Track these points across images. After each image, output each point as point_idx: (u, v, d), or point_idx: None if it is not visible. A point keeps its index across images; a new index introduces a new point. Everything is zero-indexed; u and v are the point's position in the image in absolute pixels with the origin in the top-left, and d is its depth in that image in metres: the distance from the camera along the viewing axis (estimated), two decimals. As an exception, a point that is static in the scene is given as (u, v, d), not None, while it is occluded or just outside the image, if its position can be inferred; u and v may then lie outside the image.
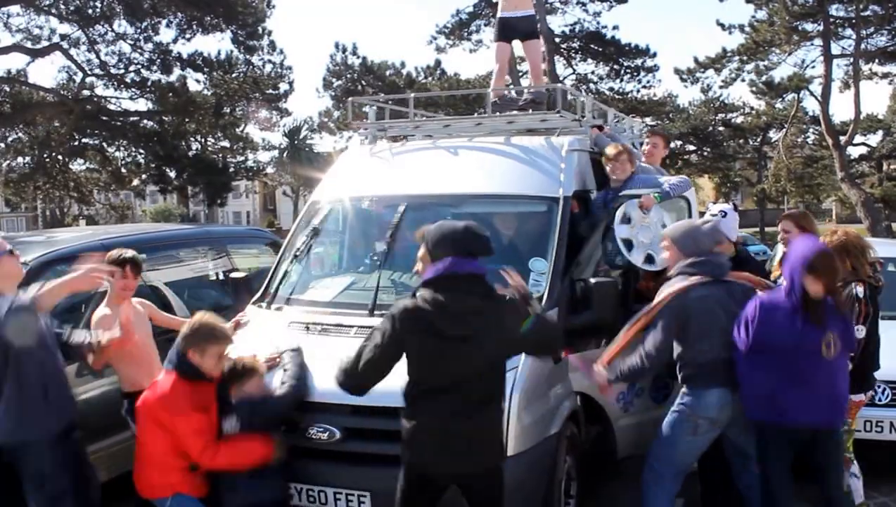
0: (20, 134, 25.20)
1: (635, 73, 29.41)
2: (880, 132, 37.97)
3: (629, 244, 4.47)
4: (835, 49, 23.77)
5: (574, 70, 29.83)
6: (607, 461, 4.58)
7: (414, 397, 3.04)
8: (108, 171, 27.54)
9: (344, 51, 33.24)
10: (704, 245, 3.81)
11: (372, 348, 2.99)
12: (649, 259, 4.42)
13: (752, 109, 37.86)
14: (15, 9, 21.45)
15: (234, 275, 5.30)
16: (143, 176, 28.34)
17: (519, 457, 3.43)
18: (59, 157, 25.65)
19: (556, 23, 28.57)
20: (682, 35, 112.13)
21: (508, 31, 6.03)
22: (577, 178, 4.63)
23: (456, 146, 5.08)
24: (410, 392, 3.05)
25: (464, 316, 2.95)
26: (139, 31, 22.36)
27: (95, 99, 23.70)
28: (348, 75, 33.16)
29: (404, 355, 3.02)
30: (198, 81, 24.47)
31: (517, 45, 6.26)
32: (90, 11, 21.69)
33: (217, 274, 6.23)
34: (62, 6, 21.72)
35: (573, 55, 29.63)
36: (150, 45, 22.71)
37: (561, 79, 26.36)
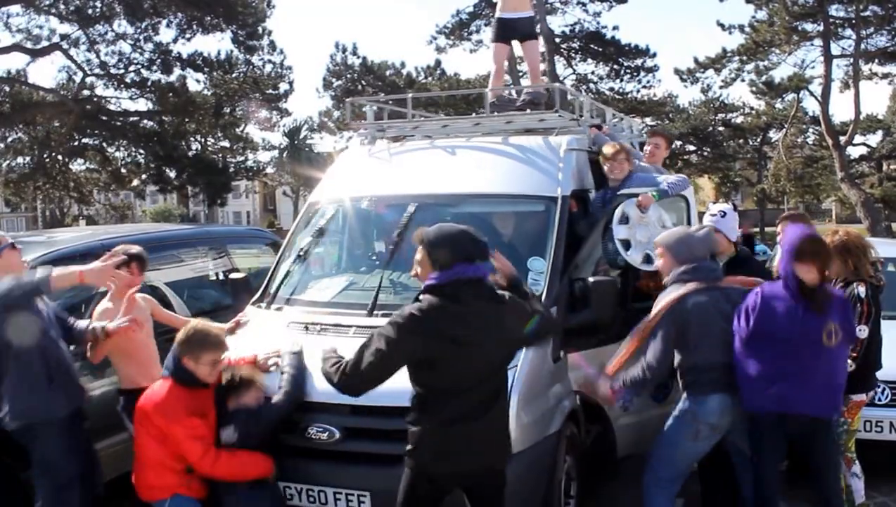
0: (20, 134, 25.20)
1: (635, 74, 29.41)
2: (880, 132, 37.98)
3: (627, 244, 4.47)
4: (835, 49, 23.79)
5: (574, 70, 29.84)
6: (607, 461, 4.58)
7: (421, 402, 3.02)
8: (108, 171, 27.54)
9: (344, 51, 33.25)
10: (698, 252, 3.81)
11: (375, 352, 2.94)
12: (647, 259, 4.42)
13: (751, 109, 37.87)
14: (15, 9, 21.46)
15: (233, 276, 5.31)
16: (143, 176, 28.32)
17: (518, 456, 3.43)
18: (59, 157, 25.66)
19: (556, 23, 28.58)
20: (682, 35, 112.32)
21: (507, 31, 6.03)
22: (575, 177, 4.63)
23: (454, 146, 5.08)
24: (417, 397, 3.03)
25: (470, 321, 2.95)
26: (139, 31, 22.37)
27: (95, 99, 23.70)
28: (348, 75, 33.15)
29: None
30: (198, 81, 24.50)
31: (516, 45, 6.27)
32: (90, 11, 21.69)
33: (217, 274, 6.24)
34: (62, 6, 21.72)
35: (573, 55, 29.63)
36: (150, 45, 22.73)
37: (561, 79, 26.37)
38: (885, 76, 26.96)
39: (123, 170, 28.09)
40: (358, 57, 33.00)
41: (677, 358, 3.77)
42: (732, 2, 41.46)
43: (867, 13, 22.95)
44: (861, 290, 4.07)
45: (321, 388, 3.59)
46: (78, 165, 28.55)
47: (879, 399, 4.88)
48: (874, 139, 38.10)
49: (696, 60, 28.45)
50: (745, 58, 26.61)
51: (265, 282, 4.83)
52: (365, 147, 5.31)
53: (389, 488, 3.29)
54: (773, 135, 38.80)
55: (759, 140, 40.11)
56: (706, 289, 3.71)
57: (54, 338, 3.80)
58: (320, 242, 4.89)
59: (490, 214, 4.69)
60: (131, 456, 3.78)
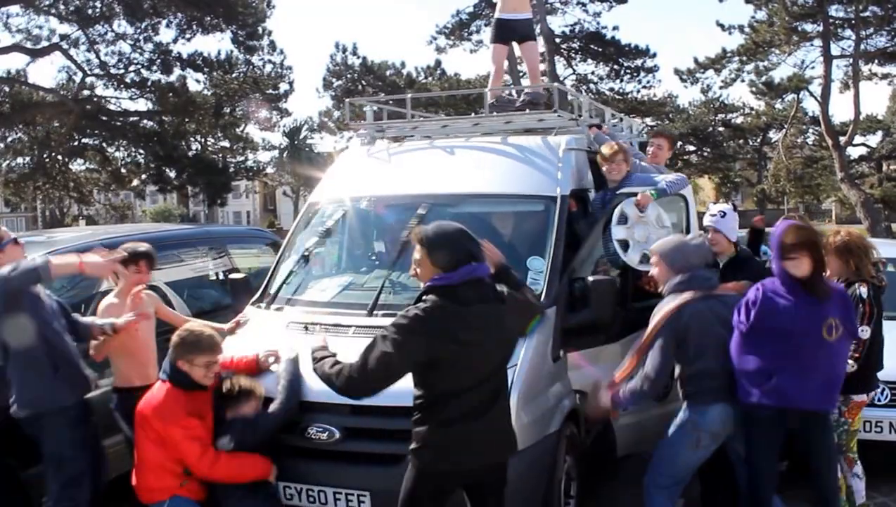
0: (20, 134, 25.20)
1: (635, 74, 29.42)
2: (880, 133, 38.02)
3: (625, 245, 4.48)
4: (834, 50, 23.79)
5: (574, 70, 29.84)
6: (607, 461, 4.59)
7: (424, 402, 3.01)
8: (108, 171, 27.54)
9: (344, 51, 33.27)
10: (694, 260, 3.81)
11: (381, 355, 2.91)
12: (645, 259, 4.43)
13: (751, 109, 37.93)
14: (15, 9, 21.46)
15: (233, 276, 5.31)
16: (143, 176, 28.33)
17: (518, 456, 3.42)
18: (59, 157, 25.66)
19: (557, 23, 28.57)
20: (682, 35, 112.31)
21: (506, 32, 6.04)
22: (574, 177, 4.64)
23: (454, 146, 5.09)
24: (421, 398, 3.02)
25: (473, 321, 2.95)
26: (139, 31, 22.38)
27: (95, 99, 23.70)
28: (348, 75, 33.17)
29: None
30: (198, 81, 24.51)
31: (516, 46, 6.27)
32: (90, 11, 21.69)
33: (217, 274, 6.24)
34: (62, 6, 21.71)
35: (573, 55, 29.63)
36: (150, 46, 22.73)
37: (561, 79, 26.38)
38: (884, 77, 26.96)
39: (123, 170, 28.09)
40: (358, 57, 33.04)
41: (678, 369, 3.76)
42: (732, 2, 41.50)
43: (867, 14, 22.95)
44: (863, 290, 4.07)
45: (321, 388, 3.59)
46: (78, 165, 28.56)
47: (879, 400, 4.88)
48: (874, 140, 38.17)
49: (695, 61, 28.51)
50: (744, 58, 26.61)
51: (265, 282, 4.83)
52: (365, 147, 5.32)
53: (389, 488, 3.29)
54: (773, 135, 38.88)
55: (759, 140, 40.17)
56: (703, 298, 3.70)
57: (58, 328, 3.84)
58: (320, 243, 4.89)
59: (489, 214, 4.69)
60: (129, 456, 3.79)
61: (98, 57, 22.63)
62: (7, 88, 22.50)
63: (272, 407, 3.68)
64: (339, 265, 4.98)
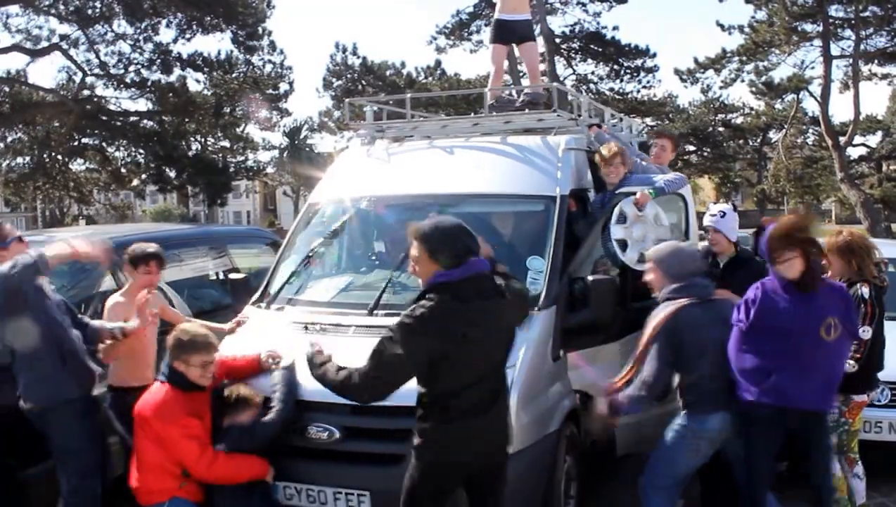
0: (20, 134, 25.20)
1: (635, 74, 29.43)
2: (880, 133, 38.00)
3: (624, 245, 4.48)
4: (834, 50, 23.79)
5: (574, 70, 29.84)
6: (607, 461, 4.59)
7: (433, 398, 3.00)
8: (108, 171, 27.54)
9: (344, 51, 33.28)
10: (690, 267, 3.81)
11: (389, 358, 2.90)
12: (643, 258, 4.43)
13: (751, 109, 37.92)
14: (14, 9, 21.44)
15: (232, 276, 5.31)
16: (143, 176, 28.34)
17: (518, 455, 3.44)
18: (59, 157, 25.66)
19: (557, 23, 28.57)
20: (682, 35, 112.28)
21: (505, 33, 6.03)
22: (574, 176, 4.64)
23: (454, 146, 5.09)
24: (428, 395, 3.01)
25: (476, 317, 2.96)
26: (139, 31, 22.36)
27: (95, 99, 23.69)
28: (348, 75, 33.18)
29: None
30: (198, 81, 24.50)
31: (515, 46, 6.27)
32: (90, 11, 21.67)
33: (217, 274, 6.24)
34: (62, 6, 21.70)
35: (573, 56, 29.64)
36: (150, 46, 22.71)
37: (561, 79, 26.37)
38: (884, 77, 26.96)
39: (123, 170, 28.09)
40: (358, 57, 33.05)
41: (676, 377, 3.76)
42: (732, 2, 41.52)
43: (867, 14, 22.96)
44: (865, 291, 4.07)
45: (321, 387, 3.59)
46: (78, 165, 28.56)
47: (879, 400, 4.87)
48: (874, 140, 38.15)
49: (696, 61, 28.50)
50: (744, 58, 26.61)
51: (265, 282, 4.83)
52: (364, 147, 5.32)
53: (389, 487, 3.29)
54: (773, 135, 38.86)
55: (759, 141, 40.15)
56: (698, 304, 3.71)
57: (64, 322, 3.86)
58: (320, 243, 4.89)
59: (489, 214, 4.70)
60: (124, 456, 3.80)
61: (98, 57, 22.62)
62: (7, 88, 22.49)
63: (269, 416, 3.67)
64: (338, 265, 4.98)
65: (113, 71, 22.87)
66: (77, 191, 29.06)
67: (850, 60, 24.30)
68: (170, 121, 24.56)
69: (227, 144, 28.93)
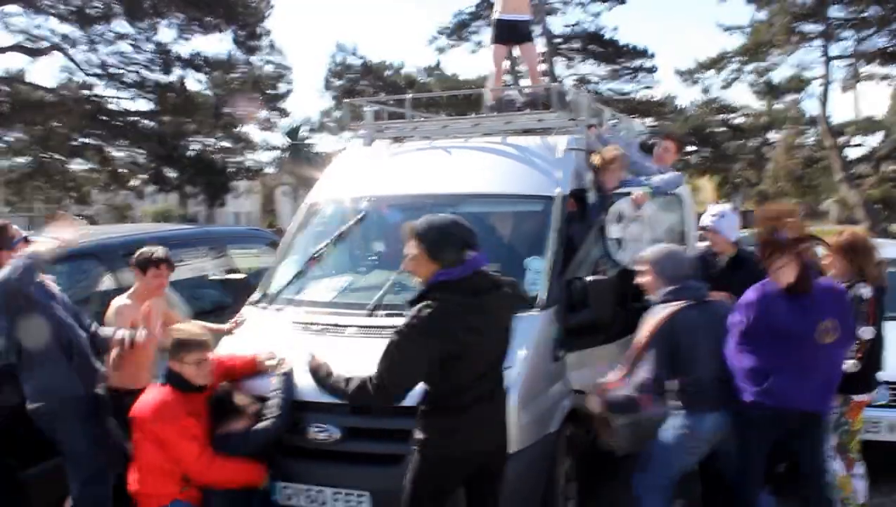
0: (20, 134, 25.21)
1: (635, 74, 29.47)
2: (879, 133, 37.96)
3: (619, 243, 4.48)
4: (834, 50, 23.87)
5: (574, 71, 29.87)
6: (607, 461, 4.58)
7: (440, 394, 3.00)
8: (108, 171, 27.56)
9: (344, 51, 33.27)
10: (684, 270, 3.82)
11: (400, 362, 2.89)
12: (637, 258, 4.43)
13: (751, 110, 37.88)
14: (15, 8, 21.47)
15: (232, 276, 5.30)
16: (143, 176, 28.36)
17: (518, 456, 3.43)
18: (59, 157, 25.67)
19: (556, 23, 28.61)
20: (681, 36, 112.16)
21: (505, 33, 6.04)
22: (574, 177, 4.64)
23: (453, 146, 5.08)
24: (436, 391, 3.01)
25: (481, 309, 2.97)
26: (139, 31, 22.39)
27: (95, 99, 23.71)
28: (349, 76, 33.18)
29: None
30: (198, 81, 24.53)
31: (515, 47, 6.27)
32: (90, 11, 21.70)
33: (216, 274, 6.23)
34: (62, 6, 21.73)
35: (573, 56, 29.65)
36: (150, 45, 22.76)
37: (560, 79, 26.38)
38: (884, 77, 27.01)
39: (123, 170, 28.11)
40: (358, 57, 33.05)
41: (670, 379, 3.75)
42: (732, 3, 41.61)
43: (867, 14, 22.98)
44: (866, 291, 4.07)
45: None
46: (77, 165, 28.57)
47: (877, 400, 4.87)
48: (873, 140, 38.10)
49: (696, 61, 28.54)
50: (745, 59, 26.66)
51: (263, 282, 4.83)
52: (364, 147, 5.32)
53: (389, 488, 3.29)
54: (773, 136, 38.83)
55: (758, 141, 40.11)
56: (694, 306, 3.72)
57: (70, 320, 3.86)
58: (319, 242, 4.89)
59: (489, 214, 4.69)
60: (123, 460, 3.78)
61: (98, 57, 22.66)
62: (7, 88, 22.50)
63: (263, 424, 3.64)
64: (338, 265, 4.97)
65: (113, 71, 22.92)
66: (76, 191, 29.07)
67: (851, 61, 24.33)
68: (170, 121, 24.59)
69: (227, 144, 28.95)
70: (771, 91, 30.65)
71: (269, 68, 25.30)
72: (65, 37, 22.33)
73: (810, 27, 23.75)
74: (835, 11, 23.24)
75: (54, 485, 4.12)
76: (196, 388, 3.70)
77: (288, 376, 3.77)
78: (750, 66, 27.61)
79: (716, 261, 4.71)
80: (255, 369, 3.96)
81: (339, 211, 5.00)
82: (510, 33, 6.04)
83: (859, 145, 35.29)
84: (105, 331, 4.02)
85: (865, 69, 25.95)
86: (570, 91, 5.71)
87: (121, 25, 22.24)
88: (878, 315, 4.11)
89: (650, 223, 4.65)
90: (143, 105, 24.45)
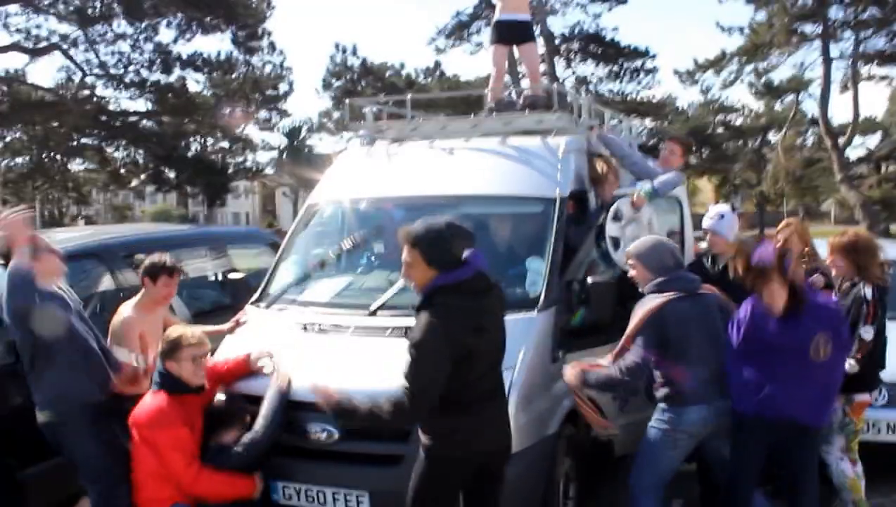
0: (19, 134, 25.21)
1: (635, 75, 29.46)
2: (879, 134, 38.03)
3: (617, 243, 4.48)
4: (834, 51, 23.87)
5: (574, 71, 29.88)
6: (606, 461, 4.59)
7: (446, 397, 2.96)
8: (107, 171, 27.56)
9: (344, 51, 33.30)
10: (668, 261, 3.82)
11: (423, 373, 2.86)
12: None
13: (751, 110, 37.96)
14: (14, 8, 21.46)
15: (232, 276, 5.30)
16: (142, 176, 28.37)
17: (517, 457, 3.42)
18: (58, 157, 25.67)
19: (556, 24, 28.66)
20: (681, 36, 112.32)
21: (506, 33, 6.03)
22: (574, 178, 4.63)
23: (453, 147, 5.08)
24: (443, 393, 2.95)
25: (483, 309, 2.99)
26: (139, 31, 22.40)
27: (95, 99, 23.71)
28: (348, 76, 33.20)
29: None
30: (197, 82, 24.54)
31: (515, 47, 6.27)
32: (90, 11, 21.70)
33: (216, 274, 6.24)
34: (61, 6, 21.73)
35: (573, 57, 29.66)
36: (149, 46, 22.79)
37: (560, 80, 26.39)
38: (883, 78, 27.05)
39: (122, 170, 28.11)
40: (358, 58, 33.08)
41: (656, 369, 3.76)
42: (732, 3, 41.62)
43: (866, 15, 23.00)
44: (867, 291, 4.08)
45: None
46: (77, 165, 28.59)
47: (877, 401, 4.87)
48: (873, 141, 38.19)
49: (695, 62, 28.55)
50: (744, 59, 26.66)
51: (264, 282, 4.83)
52: (364, 148, 5.32)
53: (388, 488, 3.29)
54: (773, 136, 38.87)
55: (758, 142, 40.16)
56: (686, 298, 3.72)
57: (82, 325, 3.79)
58: (319, 243, 4.89)
59: (489, 215, 4.69)
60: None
61: (98, 57, 22.65)
62: (6, 88, 22.50)
63: (253, 436, 3.61)
64: (338, 266, 4.97)
65: (113, 71, 22.92)
66: (76, 191, 29.07)
67: (850, 62, 24.37)
68: (169, 121, 24.60)
69: (226, 144, 28.96)
70: (771, 92, 30.72)
71: (269, 69, 25.31)
72: (64, 37, 22.34)
73: (810, 28, 23.77)
74: (834, 12, 23.28)
75: (54, 485, 4.13)
76: (192, 389, 3.69)
77: (282, 395, 3.70)
78: (750, 67, 27.66)
79: (716, 261, 4.72)
80: (247, 369, 3.96)
81: (339, 212, 5.00)
82: (510, 33, 6.02)
83: (861, 145, 35.39)
84: (120, 354, 3.96)
85: (865, 70, 25.99)
86: (570, 92, 5.69)
87: (121, 25, 22.27)
88: (879, 315, 4.11)
89: (648, 225, 4.65)
90: (143, 105, 24.48)
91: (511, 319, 3.29)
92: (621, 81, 29.77)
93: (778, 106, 34.38)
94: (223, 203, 32.48)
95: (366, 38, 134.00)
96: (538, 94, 5.67)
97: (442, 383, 2.89)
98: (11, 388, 4.06)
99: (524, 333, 3.80)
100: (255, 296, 4.72)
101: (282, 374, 3.78)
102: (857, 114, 25.07)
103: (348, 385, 3.54)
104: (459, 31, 28.64)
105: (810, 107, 31.47)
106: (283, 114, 28.90)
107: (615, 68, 29.41)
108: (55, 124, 23.97)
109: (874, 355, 4.14)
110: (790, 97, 31.28)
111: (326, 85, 33.79)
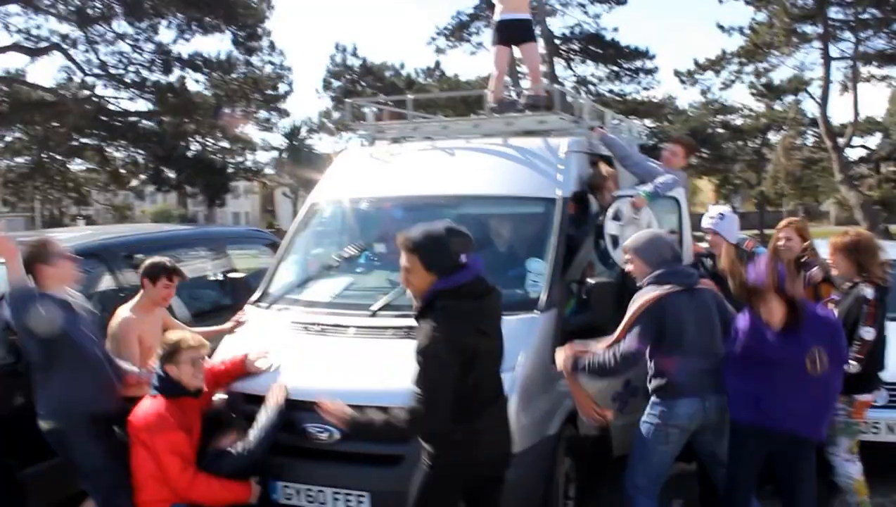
0: (19, 134, 25.20)
1: (635, 75, 29.48)
2: (878, 134, 38.03)
3: (616, 241, 4.49)
4: (834, 52, 23.88)
5: (574, 72, 29.88)
6: (606, 461, 4.59)
7: (455, 401, 2.94)
8: (107, 171, 27.55)
9: (344, 51, 33.34)
10: (665, 254, 3.83)
11: (435, 380, 2.84)
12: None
13: (751, 111, 37.93)
14: (14, 8, 21.47)
15: (231, 275, 5.31)
16: (142, 176, 28.37)
17: (517, 457, 3.42)
18: (58, 157, 25.66)
19: (556, 25, 28.63)
20: (681, 36, 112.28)
21: (506, 33, 6.02)
22: (575, 179, 4.64)
23: (454, 147, 5.08)
24: (458, 397, 2.94)
25: (484, 312, 2.98)
26: (139, 31, 22.41)
27: (95, 99, 23.72)
28: (348, 76, 33.21)
29: None
30: (197, 82, 24.54)
31: (515, 47, 6.26)
32: (90, 11, 21.71)
33: (216, 274, 6.24)
34: (61, 6, 21.73)
35: (573, 57, 29.67)
36: (149, 46, 22.80)
37: (561, 81, 26.40)
38: (883, 78, 27.06)
39: (122, 170, 28.11)
40: (358, 58, 33.11)
41: (650, 361, 3.77)
42: (732, 3, 41.49)
43: (866, 16, 23.02)
44: (868, 291, 4.08)
45: (320, 387, 3.59)
46: (77, 166, 28.57)
47: (877, 401, 4.87)
48: (873, 141, 38.17)
49: (695, 62, 28.56)
50: (744, 60, 26.69)
51: (264, 282, 4.83)
52: (364, 148, 5.32)
53: (388, 488, 3.29)
54: (773, 137, 38.87)
55: (758, 142, 40.14)
56: (683, 292, 3.73)
57: (87, 334, 3.78)
58: (319, 243, 4.89)
59: (490, 216, 4.70)
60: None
61: (98, 57, 22.66)
62: (6, 88, 22.50)
63: (247, 445, 3.60)
64: (338, 266, 4.97)
65: (113, 71, 22.94)
66: (76, 191, 29.06)
67: (850, 62, 24.37)
68: (169, 121, 24.60)
69: (226, 144, 28.95)
70: (771, 92, 30.71)
71: (268, 69, 25.31)
72: (64, 37, 22.35)
73: (810, 28, 23.78)
74: (834, 12, 23.29)
75: (54, 485, 4.13)
76: (190, 393, 3.68)
77: (279, 408, 3.68)
78: (750, 68, 27.67)
79: (715, 261, 4.73)
80: (244, 369, 3.96)
81: (339, 212, 5.00)
82: (510, 32, 6.01)
83: (861, 145, 35.37)
84: (124, 365, 3.95)
85: (865, 70, 25.99)
86: (571, 93, 5.69)
87: (121, 25, 22.28)
88: (880, 316, 4.12)
89: (647, 227, 4.65)
90: (143, 105, 24.48)
91: (512, 320, 3.29)
92: (621, 82, 29.81)
93: (778, 106, 34.36)
94: (223, 203, 32.41)
95: (366, 38, 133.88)
96: (539, 94, 5.67)
97: (451, 386, 2.87)
98: (12, 388, 4.05)
99: (525, 334, 3.80)
100: (256, 296, 4.72)
101: (279, 386, 3.76)
102: (856, 114, 25.15)
103: (350, 386, 3.55)
104: (459, 31, 28.67)
105: (810, 107, 31.50)
106: (283, 114, 28.95)
107: (615, 69, 29.43)
108: (55, 124, 23.96)
109: (874, 356, 4.15)
110: (790, 97, 31.28)
111: (326, 85, 33.86)
